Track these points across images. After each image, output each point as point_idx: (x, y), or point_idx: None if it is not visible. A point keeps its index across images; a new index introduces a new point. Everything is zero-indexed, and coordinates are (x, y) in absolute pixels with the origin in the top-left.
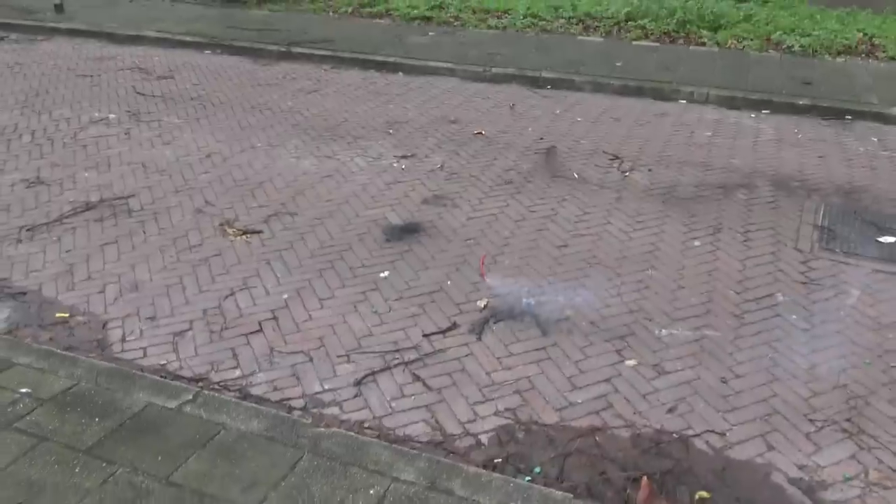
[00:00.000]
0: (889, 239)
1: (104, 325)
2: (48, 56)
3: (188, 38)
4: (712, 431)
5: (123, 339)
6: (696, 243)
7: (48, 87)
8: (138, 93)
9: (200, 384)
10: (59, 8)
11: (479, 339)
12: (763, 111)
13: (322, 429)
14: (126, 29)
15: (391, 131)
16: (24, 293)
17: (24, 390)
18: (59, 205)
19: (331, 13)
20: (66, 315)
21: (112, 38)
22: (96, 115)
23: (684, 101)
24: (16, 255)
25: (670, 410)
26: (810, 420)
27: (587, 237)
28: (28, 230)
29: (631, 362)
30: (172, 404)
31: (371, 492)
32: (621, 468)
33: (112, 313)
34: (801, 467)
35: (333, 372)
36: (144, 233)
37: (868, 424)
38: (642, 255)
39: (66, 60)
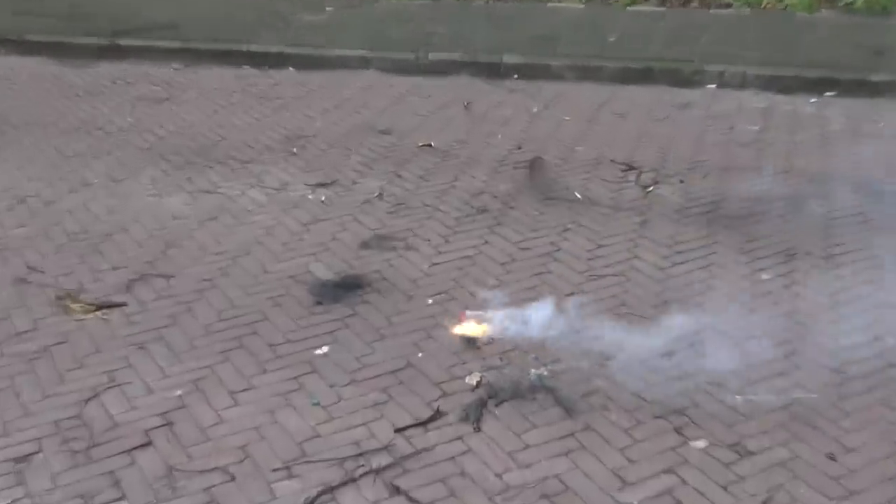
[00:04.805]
0: None
1: None
2: None
3: None
4: None
5: None
6: (765, 276)
7: None
8: None
9: None
10: None
11: (478, 428)
12: (826, 93)
13: None
14: None
15: (295, 150)
16: None
17: None
18: None
19: None
20: None
21: None
22: None
23: (713, 86)
24: None
25: (764, 503)
26: None
27: (608, 279)
28: None
29: (699, 443)
30: None
31: None
32: None
33: None
34: None
35: (271, 493)
36: None
37: None
38: (690, 298)
39: None
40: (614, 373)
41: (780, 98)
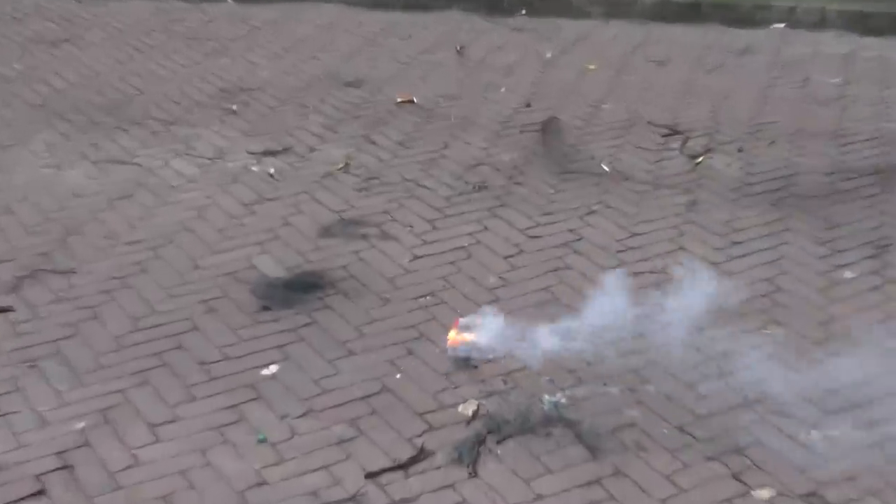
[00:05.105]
0: None
1: None
2: None
3: None
4: None
5: None
6: (848, 274)
7: None
8: None
9: None
10: None
11: (474, 472)
12: None
13: None
14: None
15: (234, 107)
16: None
17: None
18: None
19: None
20: None
21: None
22: None
23: (781, 25)
24: None
25: None
26: None
27: (644, 276)
28: None
29: (764, 493)
30: None
31: None
32: None
33: None
34: None
35: None
36: None
37: None
38: (750, 301)
39: None
40: (652, 400)
41: (868, 41)
